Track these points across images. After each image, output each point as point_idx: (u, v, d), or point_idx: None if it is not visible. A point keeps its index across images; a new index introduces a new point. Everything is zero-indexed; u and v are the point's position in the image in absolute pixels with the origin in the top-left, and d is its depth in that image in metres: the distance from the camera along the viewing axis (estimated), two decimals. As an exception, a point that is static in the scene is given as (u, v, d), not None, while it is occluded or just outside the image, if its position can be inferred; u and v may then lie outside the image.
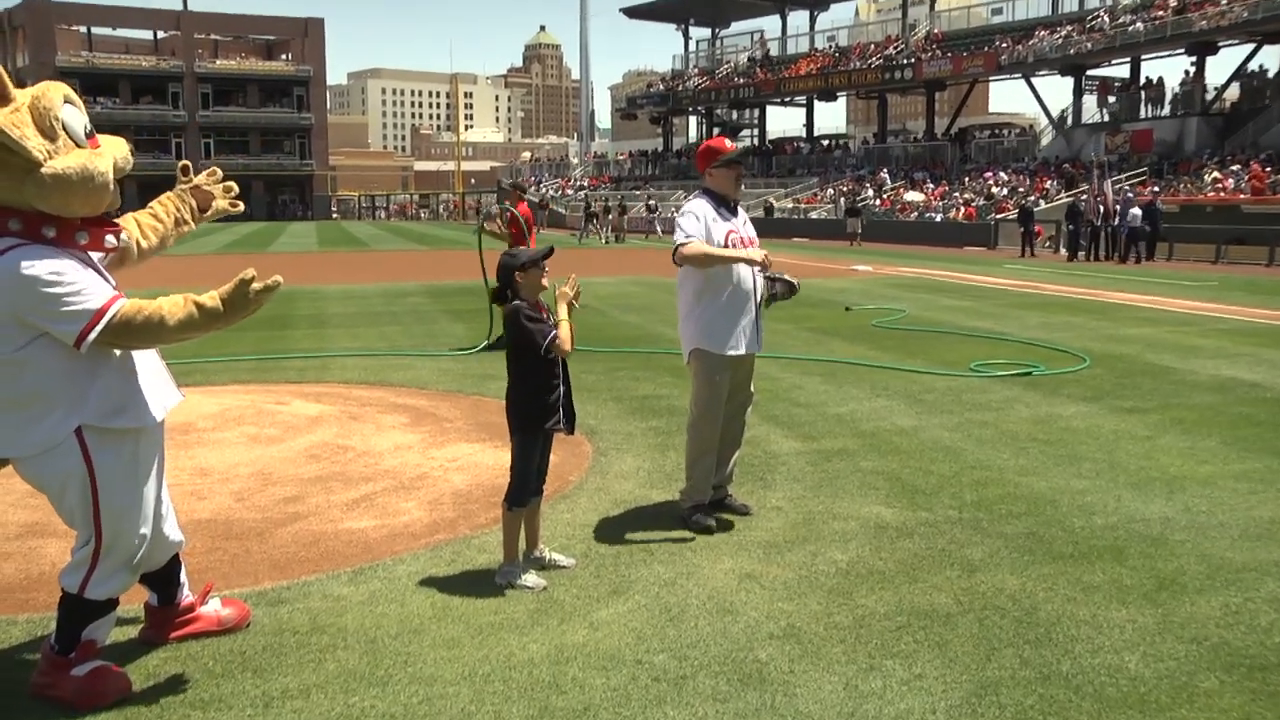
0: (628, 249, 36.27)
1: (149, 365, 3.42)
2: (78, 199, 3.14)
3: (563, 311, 4.36)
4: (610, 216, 42.81)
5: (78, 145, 3.17)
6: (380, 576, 4.46)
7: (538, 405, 4.35)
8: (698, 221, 5.06)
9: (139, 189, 40.23)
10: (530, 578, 4.32)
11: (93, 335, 3.09)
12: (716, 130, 67.56)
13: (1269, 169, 33.19)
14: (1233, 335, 12.57)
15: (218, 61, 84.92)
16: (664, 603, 4.14)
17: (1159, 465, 6.37)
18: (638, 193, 60.70)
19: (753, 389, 5.47)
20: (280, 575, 4.48)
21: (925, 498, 5.61)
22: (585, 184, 67.24)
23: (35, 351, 3.11)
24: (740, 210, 5.31)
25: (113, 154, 3.26)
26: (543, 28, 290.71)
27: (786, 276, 5.27)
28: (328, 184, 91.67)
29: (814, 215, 46.29)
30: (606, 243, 40.31)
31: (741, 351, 5.12)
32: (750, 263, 4.99)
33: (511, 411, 4.39)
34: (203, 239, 45.78)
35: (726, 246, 5.04)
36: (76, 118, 3.19)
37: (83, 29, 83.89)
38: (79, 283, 3.10)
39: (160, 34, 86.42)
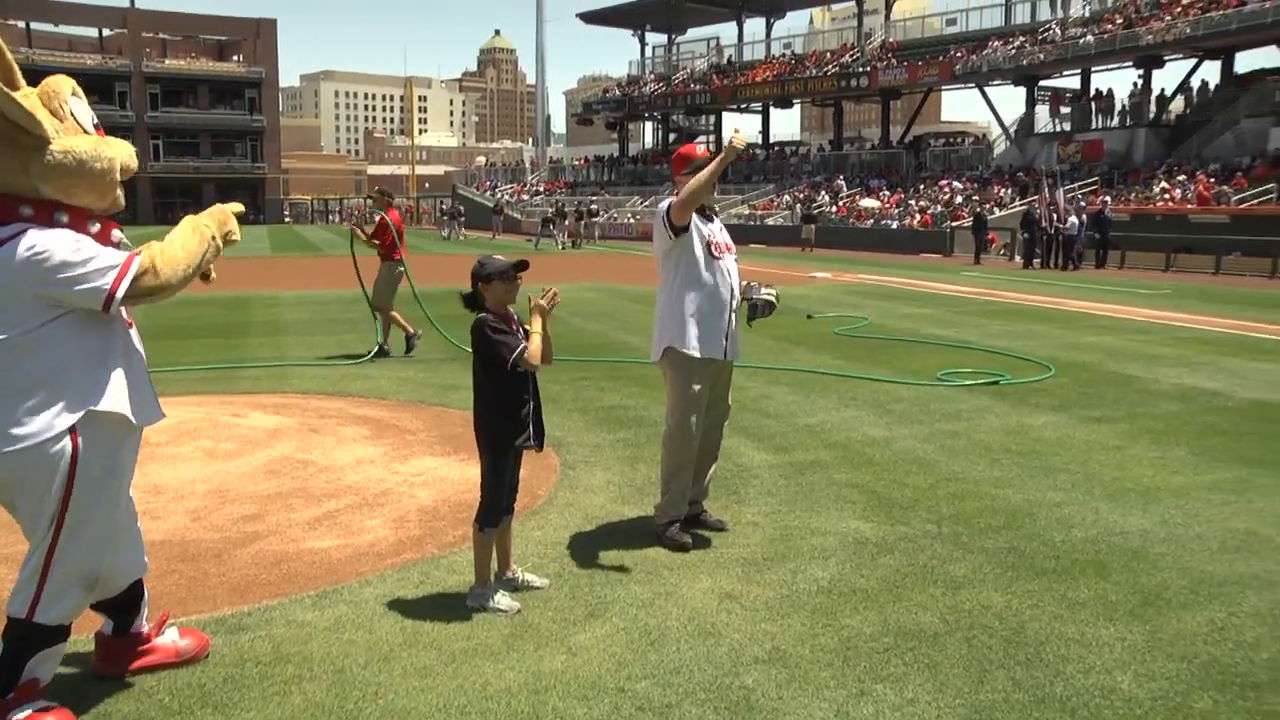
0: (585, 255, 36.10)
1: (142, 376, 3.31)
2: (84, 184, 3.08)
3: (536, 324, 4.19)
4: (567, 222, 42.61)
5: (85, 133, 3.11)
6: (346, 600, 4.27)
7: (507, 421, 4.17)
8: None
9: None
10: (504, 600, 4.15)
11: (122, 288, 3.05)
12: (673, 136, 67.76)
13: (1214, 180, 33.80)
14: (1191, 343, 12.67)
15: (167, 61, 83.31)
16: (643, 625, 3.99)
17: (1132, 476, 6.34)
18: (594, 198, 60.61)
19: (730, 401, 5.35)
20: (240, 600, 4.27)
21: (902, 511, 5.52)
22: (541, 189, 66.94)
23: (53, 331, 3.02)
24: (715, 218, 5.21)
25: (120, 150, 3.20)
26: (498, 32, 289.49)
27: (766, 293, 5.17)
28: (280, 187, 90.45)
29: (770, 222, 46.42)
30: (563, 248, 40.12)
31: (714, 356, 4.97)
32: (731, 151, 4.68)
33: (480, 429, 4.21)
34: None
35: (709, 251, 4.98)
36: (83, 110, 3.16)
37: (21, 24, 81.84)
38: (97, 250, 3.08)
39: (106, 32, 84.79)
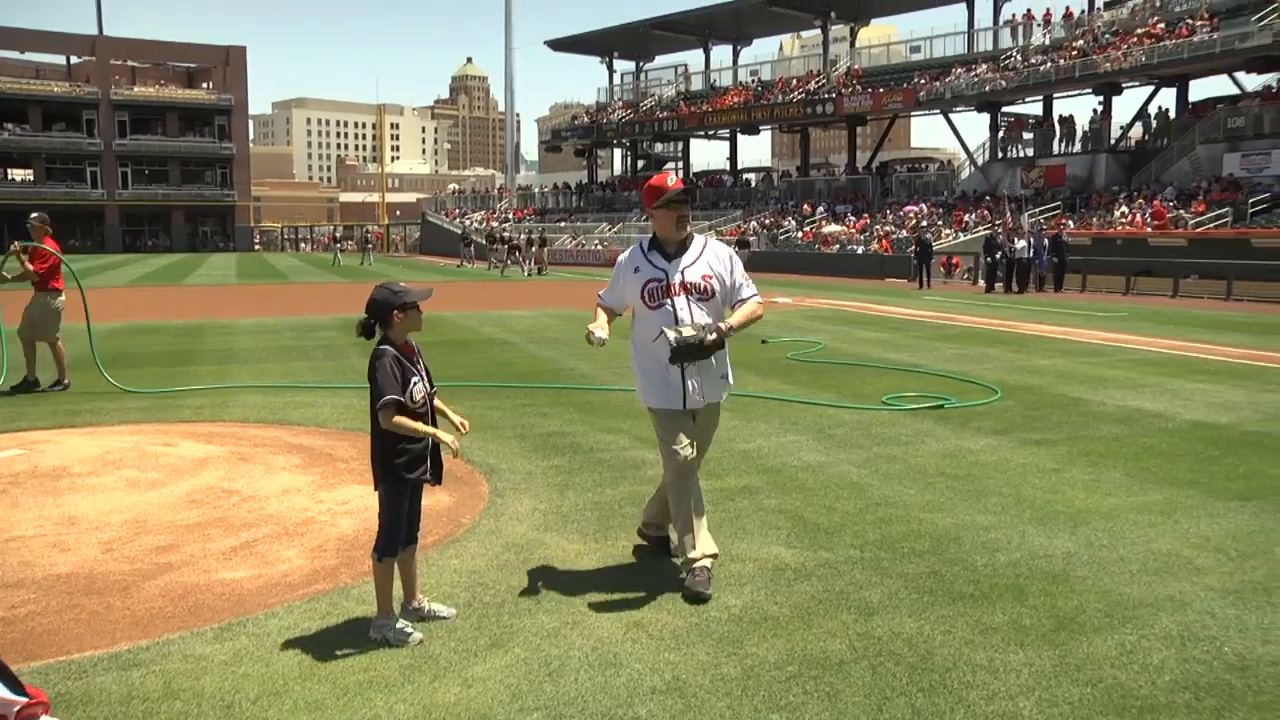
0: (550, 281, 36.09)
1: None
2: None
3: (429, 429, 4.09)
4: (533, 249, 42.64)
5: None
6: (249, 632, 4.19)
7: (402, 455, 4.09)
8: (613, 286, 4.95)
9: (51, 219, 38.91)
10: (406, 631, 4.08)
11: None
12: (642, 163, 68.04)
13: (1170, 204, 34.28)
14: (1140, 365, 12.77)
15: (135, 89, 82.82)
16: (544, 655, 3.93)
17: (1064, 499, 6.34)
18: (563, 225, 60.74)
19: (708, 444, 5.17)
20: (141, 634, 4.18)
21: (827, 537, 5.49)
22: (510, 216, 67.00)
23: None
24: (692, 249, 4.82)
25: None
26: (469, 59, 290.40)
27: (686, 332, 4.62)
28: (250, 215, 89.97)
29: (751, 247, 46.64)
30: (529, 275, 40.12)
31: (669, 406, 4.74)
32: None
33: (375, 459, 4.15)
34: (118, 270, 44.63)
35: (643, 299, 4.73)
36: None
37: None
38: None
39: (74, 59, 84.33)
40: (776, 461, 7.32)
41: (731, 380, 5.02)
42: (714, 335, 4.65)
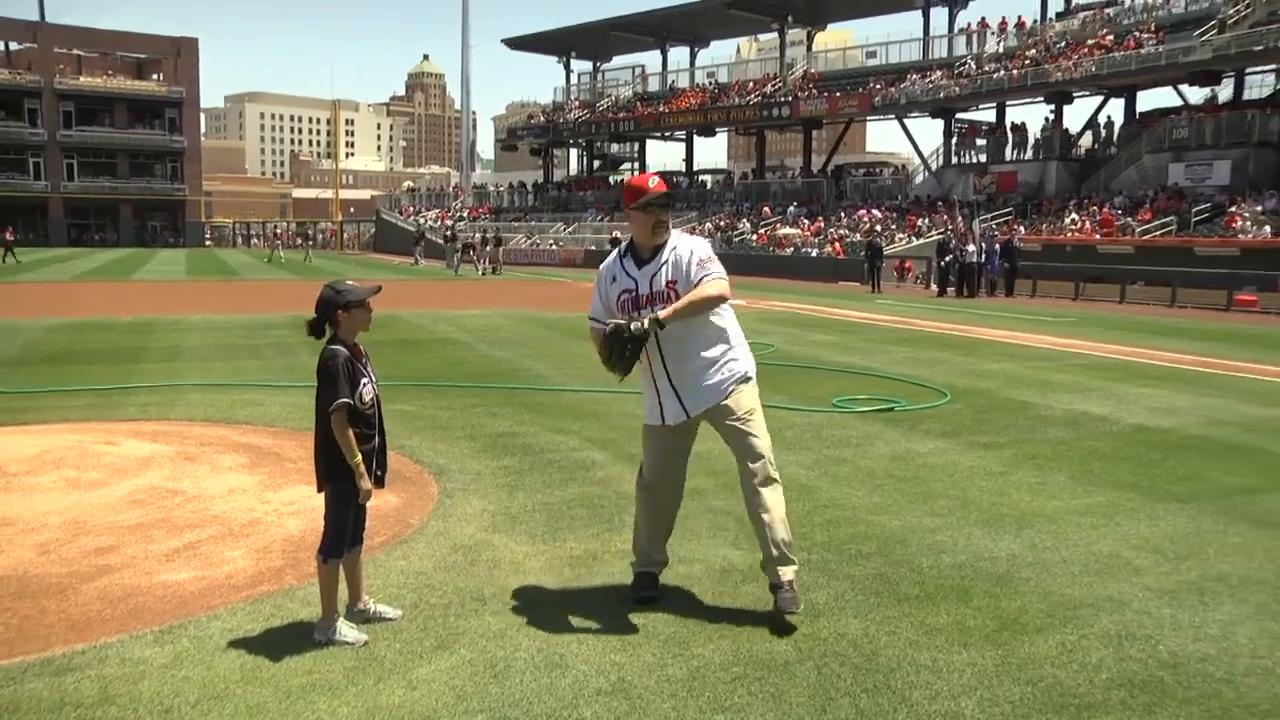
0: (504, 281, 35.96)
1: None
2: None
3: (357, 465, 4.03)
4: (488, 249, 42.45)
5: None
6: (190, 635, 4.13)
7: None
8: (598, 299, 4.62)
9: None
10: (350, 633, 4.04)
11: None
12: (598, 164, 68.05)
13: (1118, 212, 34.89)
14: (1087, 370, 12.98)
15: (81, 78, 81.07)
16: (490, 657, 3.91)
17: (1010, 501, 6.42)
18: (518, 224, 60.57)
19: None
20: (76, 638, 4.10)
21: (775, 539, 5.50)
22: (464, 215, 66.68)
23: None
24: (666, 253, 4.47)
25: None
26: (426, 57, 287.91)
27: (613, 323, 4.37)
28: (201, 210, 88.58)
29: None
30: (483, 274, 39.95)
31: (649, 421, 4.59)
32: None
33: (320, 460, 4.10)
34: (62, 265, 43.81)
35: (617, 310, 4.48)
36: None
37: (-80, 36, 79.20)
38: None
39: (14, 45, 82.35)
40: (726, 463, 7.26)
41: (734, 376, 4.52)
42: (639, 324, 4.29)
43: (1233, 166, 34.59)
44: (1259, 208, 31.44)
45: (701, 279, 4.42)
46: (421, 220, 66.40)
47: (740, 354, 4.61)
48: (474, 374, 11.74)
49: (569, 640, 4.09)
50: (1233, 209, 31.92)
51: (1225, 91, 40.50)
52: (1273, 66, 38.42)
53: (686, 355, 4.46)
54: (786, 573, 4.39)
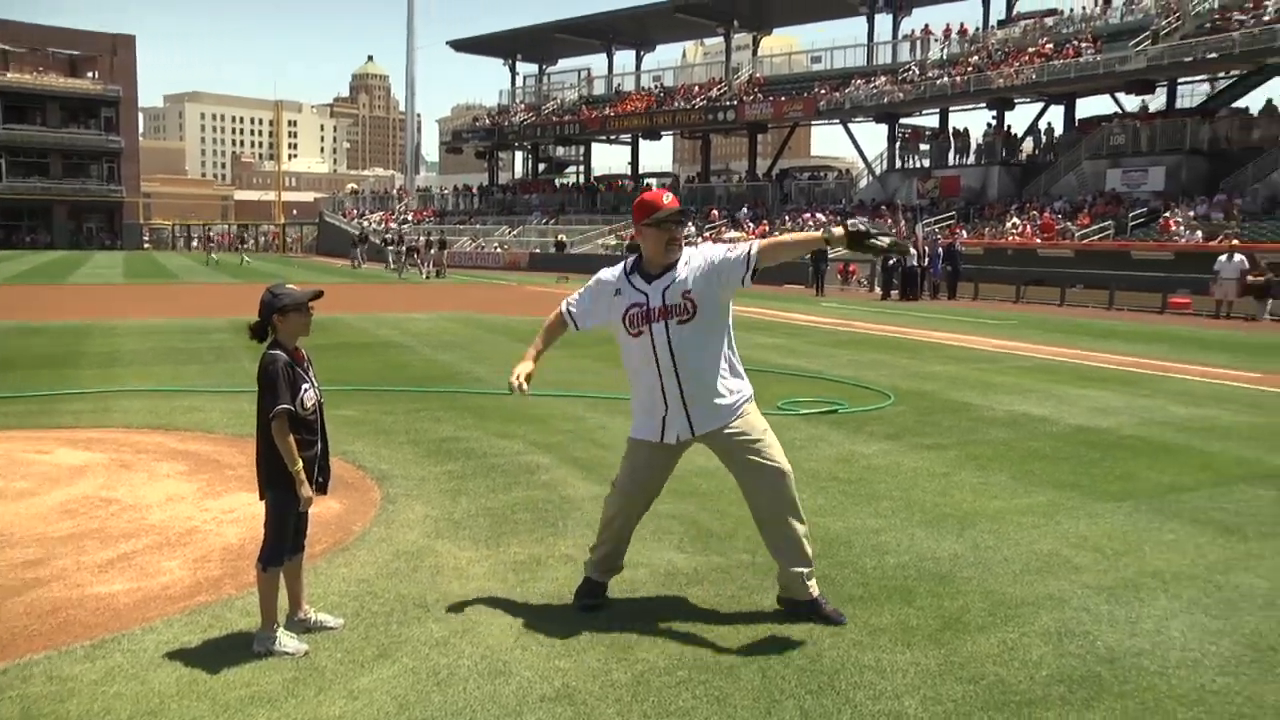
0: (449, 284, 35.72)
1: None
2: None
3: (297, 472, 3.96)
4: (432, 252, 42.13)
5: None
6: (123, 649, 4.02)
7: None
8: (588, 298, 4.49)
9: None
10: (290, 643, 3.97)
11: None
12: (543, 166, 67.89)
13: (1058, 217, 35.56)
14: (1028, 372, 13.18)
15: (9, 74, 78.64)
16: (433, 665, 3.86)
17: (953, 502, 6.49)
18: (462, 227, 60.25)
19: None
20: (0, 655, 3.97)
21: (719, 542, 5.52)
22: (409, 218, 66.15)
23: None
24: (680, 268, 4.31)
25: None
26: (370, 58, 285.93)
27: (880, 240, 4.27)
28: (139, 212, 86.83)
29: (642, 252, 46.79)
30: (427, 278, 39.65)
31: (643, 436, 4.44)
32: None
33: (261, 465, 4.03)
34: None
35: (624, 324, 4.31)
36: None
37: None
38: None
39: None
40: (673, 466, 7.32)
41: (743, 396, 4.48)
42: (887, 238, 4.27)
43: (1167, 173, 35.46)
44: (1191, 213, 32.20)
45: (737, 253, 4.33)
46: (365, 223, 65.78)
47: (743, 373, 4.57)
48: (418, 378, 11.64)
49: (512, 646, 4.06)
50: (1167, 214, 32.66)
51: (1159, 100, 41.58)
52: (1203, 77, 39.63)
53: (703, 371, 4.33)
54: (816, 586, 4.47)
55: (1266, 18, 34.33)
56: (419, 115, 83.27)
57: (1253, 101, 39.24)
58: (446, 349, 14.77)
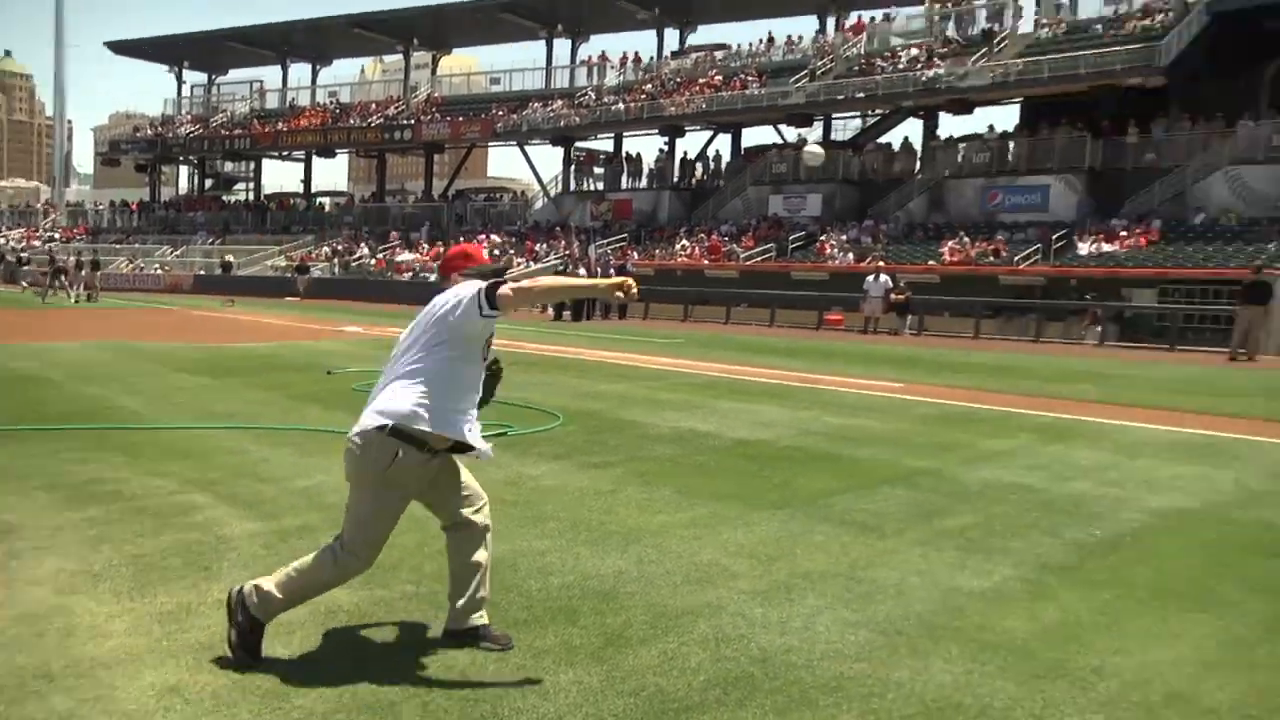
0: (101, 309, 32.81)
1: None
2: None
3: None
4: (83, 273, 38.55)
5: None
6: None
7: None
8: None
9: None
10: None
11: None
12: (210, 182, 64.11)
13: (725, 239, 37.91)
14: (695, 388, 13.85)
15: None
16: (55, 743, 3.48)
17: (618, 519, 6.66)
18: (119, 246, 55.68)
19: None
20: None
21: (384, 574, 5.34)
22: (56, 235, 60.24)
23: None
24: None
25: None
26: (8, 53, 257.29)
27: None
28: None
29: (316, 273, 45.16)
30: (76, 301, 36.23)
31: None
32: (613, 290, 4.20)
33: None
34: None
35: (486, 345, 4.58)
36: None
37: None
38: None
39: None
40: (337, 498, 6.97)
41: (377, 417, 4.45)
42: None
43: (823, 200, 38.83)
44: (844, 236, 35.36)
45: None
46: (1, 240, 59.21)
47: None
48: (60, 414, 10.54)
49: (154, 708, 3.72)
50: (823, 237, 35.70)
51: (816, 133, 45.38)
52: (855, 114, 43.73)
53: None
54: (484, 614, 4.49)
55: (902, 65, 38.49)
56: (70, 121, 76.26)
57: (894, 138, 43.97)
58: (96, 382, 13.48)
